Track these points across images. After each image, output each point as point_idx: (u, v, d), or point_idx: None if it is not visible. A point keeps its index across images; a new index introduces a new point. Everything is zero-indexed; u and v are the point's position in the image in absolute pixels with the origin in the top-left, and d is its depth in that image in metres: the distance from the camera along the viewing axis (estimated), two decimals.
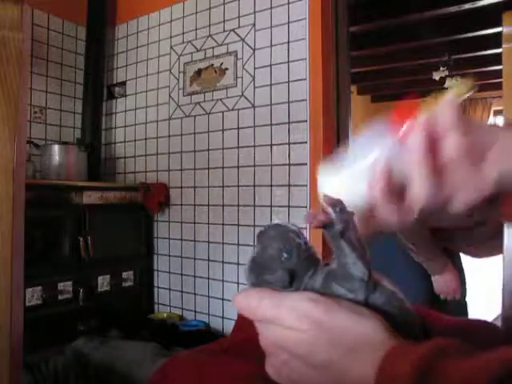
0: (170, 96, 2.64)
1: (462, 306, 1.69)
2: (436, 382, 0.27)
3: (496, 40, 4.11)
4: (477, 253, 1.47)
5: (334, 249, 0.34)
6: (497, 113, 6.81)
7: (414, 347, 0.29)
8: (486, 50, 4.82)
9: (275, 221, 0.37)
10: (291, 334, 0.31)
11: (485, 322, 0.54)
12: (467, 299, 1.72)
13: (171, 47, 2.64)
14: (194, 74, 2.53)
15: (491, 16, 3.76)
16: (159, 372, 0.48)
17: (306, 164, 2.09)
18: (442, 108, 0.37)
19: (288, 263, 0.33)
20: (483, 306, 3.08)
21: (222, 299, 2.38)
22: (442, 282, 1.52)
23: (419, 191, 0.36)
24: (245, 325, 0.58)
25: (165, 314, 2.57)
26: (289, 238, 0.35)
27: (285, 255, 0.33)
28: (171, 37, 2.64)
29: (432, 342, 0.29)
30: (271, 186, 2.20)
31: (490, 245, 1.40)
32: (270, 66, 2.22)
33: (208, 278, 2.44)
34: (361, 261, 0.33)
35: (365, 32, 4.37)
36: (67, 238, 2.18)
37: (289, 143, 2.15)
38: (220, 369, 0.47)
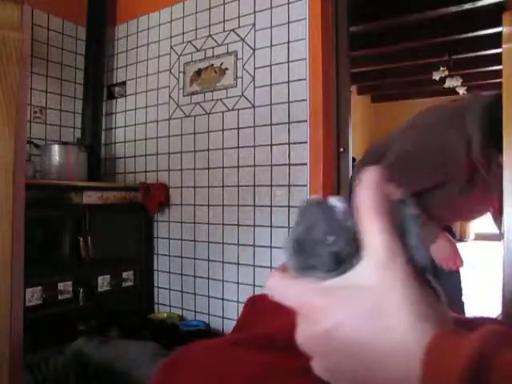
0: (169, 96, 2.64)
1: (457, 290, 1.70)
2: (495, 376, 0.23)
3: (496, 40, 4.11)
4: (446, 215, 1.51)
5: (399, 229, 0.30)
6: None
7: (462, 335, 0.25)
8: (485, 50, 4.82)
9: (314, 196, 0.33)
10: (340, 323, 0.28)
11: (492, 319, 0.53)
12: (464, 299, 1.72)
13: (171, 47, 2.64)
14: (194, 74, 2.53)
15: (491, 16, 3.76)
16: (171, 363, 0.47)
17: (306, 164, 2.09)
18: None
19: (334, 246, 0.30)
20: (482, 305, 3.08)
21: (222, 299, 2.38)
22: (437, 250, 1.50)
23: None
24: (245, 325, 0.58)
25: (165, 314, 2.57)
26: (335, 218, 0.31)
27: (331, 238, 0.30)
28: (171, 37, 2.64)
29: (486, 329, 0.25)
30: (271, 186, 2.20)
31: (454, 205, 1.47)
32: (270, 66, 2.22)
33: (208, 278, 2.44)
34: (423, 246, 0.30)
35: (365, 32, 4.37)
36: (67, 238, 2.18)
37: (289, 143, 2.15)
38: (235, 357, 0.47)
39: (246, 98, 2.30)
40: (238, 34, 2.35)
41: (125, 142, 2.88)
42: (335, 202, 0.31)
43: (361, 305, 0.28)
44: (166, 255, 2.65)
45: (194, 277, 2.51)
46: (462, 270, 1.69)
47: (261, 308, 0.60)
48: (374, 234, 0.29)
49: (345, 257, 0.30)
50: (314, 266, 0.30)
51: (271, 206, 2.20)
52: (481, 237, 7.25)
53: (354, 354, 0.28)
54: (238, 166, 2.32)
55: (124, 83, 2.90)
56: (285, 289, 0.31)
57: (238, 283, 2.31)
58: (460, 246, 1.55)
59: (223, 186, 2.38)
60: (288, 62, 2.16)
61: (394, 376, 0.26)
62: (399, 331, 0.26)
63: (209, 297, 2.44)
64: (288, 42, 2.16)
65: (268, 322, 0.56)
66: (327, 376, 0.30)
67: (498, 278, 0.77)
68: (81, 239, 2.20)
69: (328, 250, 0.30)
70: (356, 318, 0.28)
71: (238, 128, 2.32)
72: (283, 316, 0.56)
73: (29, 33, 0.64)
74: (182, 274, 2.57)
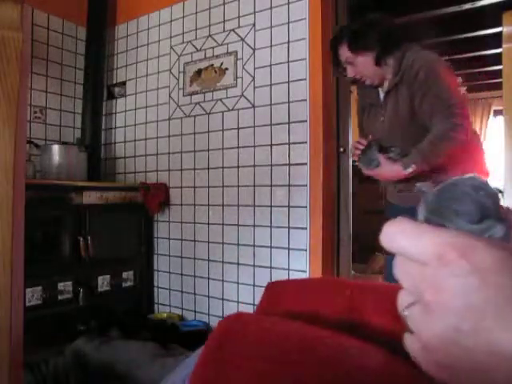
0: (169, 96, 2.64)
1: None
2: None
3: (496, 40, 4.10)
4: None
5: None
6: (497, 113, 6.81)
7: None
8: (485, 49, 4.82)
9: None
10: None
11: None
12: None
13: (171, 47, 2.64)
14: (194, 74, 2.53)
15: (491, 16, 3.76)
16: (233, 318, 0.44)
17: (306, 164, 2.09)
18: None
19: (484, 200, 0.27)
20: None
21: (222, 299, 2.38)
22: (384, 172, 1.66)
23: None
24: (268, 309, 0.57)
25: (165, 314, 2.57)
26: (487, 185, 0.28)
27: (482, 192, 0.27)
28: (171, 37, 2.64)
29: None
30: (271, 185, 2.20)
31: None
32: (270, 65, 2.22)
33: (208, 278, 2.44)
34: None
35: None
36: (67, 238, 2.18)
37: (289, 143, 2.15)
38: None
39: (245, 97, 2.30)
40: (238, 34, 2.35)
41: (125, 142, 2.88)
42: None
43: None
44: (166, 255, 2.65)
45: (194, 277, 2.51)
46: None
47: (282, 292, 0.58)
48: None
49: (491, 217, 0.26)
50: (458, 212, 0.26)
51: (271, 206, 2.20)
52: None
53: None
54: (238, 166, 2.32)
55: (124, 83, 2.90)
56: (418, 235, 0.25)
57: (237, 283, 2.31)
58: None
59: (223, 186, 2.38)
60: (288, 61, 2.16)
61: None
62: None
63: (209, 297, 2.44)
64: (288, 42, 2.16)
65: (294, 305, 0.55)
66: (443, 375, 0.25)
67: None
68: (81, 239, 2.20)
69: (477, 200, 0.27)
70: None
71: (238, 128, 2.32)
72: (306, 300, 0.54)
73: (29, 33, 0.64)
74: (182, 274, 2.57)
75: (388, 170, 1.61)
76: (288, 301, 0.55)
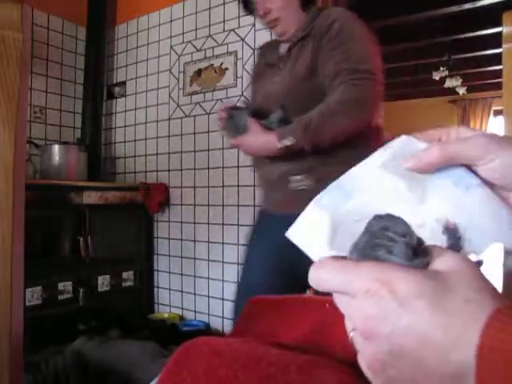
0: (170, 96, 2.64)
1: None
2: None
3: (496, 40, 4.11)
4: None
5: None
6: (497, 113, 6.82)
7: None
8: (485, 50, 4.82)
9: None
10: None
11: None
12: None
13: (171, 47, 2.64)
14: (194, 74, 2.53)
15: (491, 16, 3.76)
16: (182, 352, 0.47)
17: None
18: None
19: (411, 241, 0.28)
20: None
21: (222, 299, 2.38)
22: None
23: None
24: (243, 329, 0.58)
25: (165, 314, 2.57)
26: (407, 225, 0.29)
27: (408, 236, 0.28)
28: (171, 37, 2.64)
29: None
30: None
31: None
32: None
33: (208, 278, 2.44)
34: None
35: None
36: (67, 238, 2.18)
37: None
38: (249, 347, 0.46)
39: (246, 97, 2.30)
40: (237, 34, 2.35)
41: (125, 141, 2.88)
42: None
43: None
44: (165, 255, 2.65)
45: (194, 277, 2.51)
46: None
47: (258, 311, 0.60)
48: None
49: (419, 254, 0.28)
50: (392, 252, 0.28)
51: None
52: None
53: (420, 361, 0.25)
54: (238, 166, 2.31)
55: (124, 83, 2.90)
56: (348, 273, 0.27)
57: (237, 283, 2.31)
58: None
59: (223, 186, 2.38)
60: None
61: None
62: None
63: (209, 297, 2.44)
64: None
65: (268, 323, 0.56)
66: None
67: (498, 277, 0.78)
68: (81, 239, 2.20)
69: (405, 242, 0.28)
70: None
71: None
72: (285, 316, 0.56)
73: (29, 33, 0.64)
74: (182, 274, 2.57)
75: (256, 139, 1.19)
76: (264, 320, 0.57)
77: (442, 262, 0.27)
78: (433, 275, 0.26)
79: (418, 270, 0.27)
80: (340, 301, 0.29)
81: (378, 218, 0.30)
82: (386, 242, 0.28)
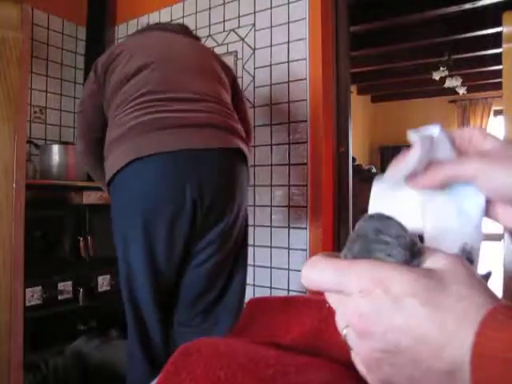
0: None
1: None
2: None
3: (496, 40, 4.11)
4: None
5: None
6: (497, 113, 6.82)
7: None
8: (485, 50, 4.82)
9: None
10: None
11: None
12: None
13: None
14: None
15: (491, 16, 3.76)
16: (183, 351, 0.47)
17: (305, 164, 2.09)
18: None
19: (405, 242, 0.29)
20: None
21: None
22: None
23: None
24: (243, 329, 0.58)
25: None
26: (401, 225, 0.30)
27: (401, 237, 0.29)
28: None
29: None
30: (271, 185, 2.20)
31: None
32: (270, 65, 2.22)
33: None
34: None
35: (365, 32, 4.37)
36: (67, 238, 2.18)
37: (289, 143, 2.15)
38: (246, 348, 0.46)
39: (245, 97, 2.30)
40: (238, 34, 2.35)
41: None
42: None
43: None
44: None
45: None
46: None
47: (260, 310, 0.60)
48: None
49: (415, 253, 0.29)
50: (387, 253, 0.28)
51: (271, 206, 2.19)
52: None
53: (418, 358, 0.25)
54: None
55: None
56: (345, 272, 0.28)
57: None
58: None
59: None
60: (288, 61, 2.16)
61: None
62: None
63: None
64: (288, 42, 2.16)
65: (268, 323, 0.56)
66: None
67: (497, 278, 0.78)
68: (81, 239, 2.20)
69: (400, 242, 0.29)
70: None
71: None
72: (284, 316, 0.56)
73: (29, 33, 0.64)
74: None
75: None
76: (263, 321, 0.57)
77: (435, 261, 0.28)
78: (426, 273, 0.26)
79: (411, 268, 0.27)
80: (332, 298, 0.29)
81: (368, 219, 0.31)
82: (382, 245, 0.29)
